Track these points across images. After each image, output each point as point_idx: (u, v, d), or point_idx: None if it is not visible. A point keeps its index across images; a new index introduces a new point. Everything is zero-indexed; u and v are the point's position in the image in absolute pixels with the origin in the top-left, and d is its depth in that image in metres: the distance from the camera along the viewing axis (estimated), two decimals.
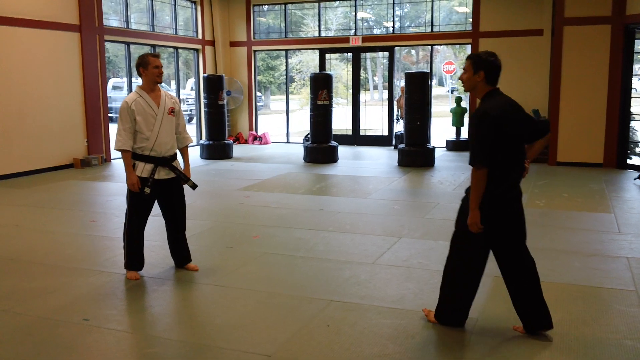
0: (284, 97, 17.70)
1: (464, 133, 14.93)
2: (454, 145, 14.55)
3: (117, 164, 12.31)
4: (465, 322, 4.05)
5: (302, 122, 18.31)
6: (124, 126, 4.86)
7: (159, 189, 5.02)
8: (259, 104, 17.91)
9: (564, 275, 5.14)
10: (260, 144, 16.21)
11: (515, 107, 3.79)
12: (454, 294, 3.99)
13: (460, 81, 3.99)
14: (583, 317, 4.25)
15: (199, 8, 15.59)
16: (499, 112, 3.63)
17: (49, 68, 11.23)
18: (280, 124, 17.48)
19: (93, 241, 6.44)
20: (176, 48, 15.12)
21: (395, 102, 15.27)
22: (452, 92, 26.93)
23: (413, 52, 30.30)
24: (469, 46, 14.64)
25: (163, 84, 5.15)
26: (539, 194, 8.89)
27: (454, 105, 15.16)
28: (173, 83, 15.61)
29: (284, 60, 17.44)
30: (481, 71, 3.73)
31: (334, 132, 13.06)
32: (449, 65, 18.75)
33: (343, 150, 13.89)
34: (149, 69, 4.91)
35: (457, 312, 4.02)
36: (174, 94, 15.79)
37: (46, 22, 11.07)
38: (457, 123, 14.75)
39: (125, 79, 14.68)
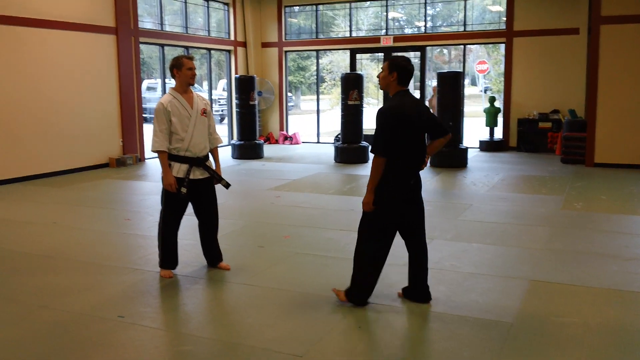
0: (315, 97, 17.72)
1: (498, 133, 14.76)
2: (487, 146, 14.40)
3: (151, 163, 12.47)
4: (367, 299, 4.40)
5: (332, 122, 18.32)
6: (160, 127, 4.90)
7: (193, 189, 5.06)
8: (289, 104, 17.97)
9: (602, 280, 5.03)
10: (291, 144, 16.25)
11: (417, 107, 4.28)
12: (363, 276, 4.35)
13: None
14: (621, 322, 4.16)
15: (231, 10, 15.71)
16: (400, 109, 4.13)
17: (86, 69, 11.43)
18: (311, 124, 17.51)
19: (128, 239, 6.53)
20: (209, 49, 15.26)
21: (427, 102, 15.17)
22: (485, 92, 26.62)
23: (445, 51, 30.04)
24: (503, 45, 14.47)
25: (195, 85, 5.20)
26: (576, 196, 8.74)
27: (487, 105, 15.00)
28: (205, 84, 15.76)
29: (315, 61, 17.48)
30: (395, 72, 4.23)
31: (364, 132, 13.03)
32: (482, 64, 18.53)
33: None
34: (182, 70, 4.96)
35: (364, 293, 4.39)
36: (206, 94, 15.97)
37: (84, 25, 11.27)
38: (491, 123, 14.59)
39: (159, 80, 14.87)
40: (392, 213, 4.25)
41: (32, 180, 10.29)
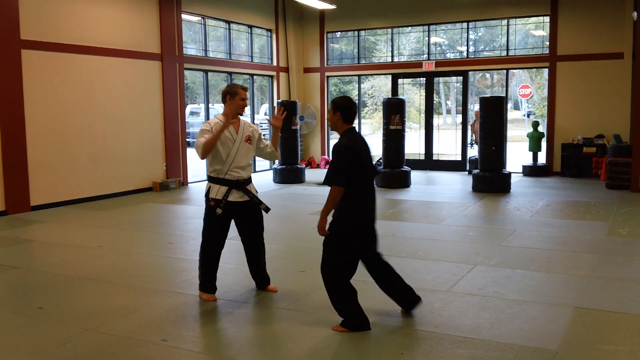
0: (356, 121, 17.75)
1: (542, 158, 14.55)
2: (530, 171, 14.19)
3: (194, 187, 12.66)
4: (368, 325, 4.44)
5: (373, 147, 18.30)
6: (203, 135, 5.01)
7: (234, 212, 5.13)
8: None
9: None
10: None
11: (365, 144, 4.65)
12: (344, 296, 4.48)
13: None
14: None
15: (274, 36, 15.95)
16: (354, 145, 4.45)
17: (132, 95, 11.74)
18: None
19: (171, 263, 6.63)
20: (251, 75, 15.50)
21: (469, 127, 15.07)
22: (528, 116, 26.30)
23: (487, 75, 29.87)
24: (546, 70, 14.32)
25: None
26: (621, 222, 8.52)
27: (530, 129, 14.81)
28: (248, 108, 15.96)
29: (357, 85, 17.56)
30: (338, 112, 4.53)
31: (406, 157, 13.00)
32: (525, 89, 18.34)
33: (416, 175, 13.79)
34: (235, 99, 5.09)
35: (360, 319, 4.45)
36: (248, 119, 16.17)
37: (130, 52, 11.60)
38: (534, 148, 14.39)
39: (202, 105, 15.14)
40: (354, 238, 4.49)
41: (78, 204, 10.55)
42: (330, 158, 4.72)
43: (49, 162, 10.22)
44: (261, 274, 5.43)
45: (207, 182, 5.20)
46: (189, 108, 21.37)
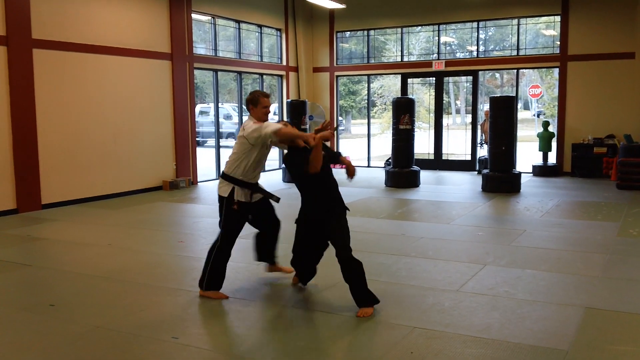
0: (365, 121, 17.77)
1: (552, 158, 14.49)
2: (540, 171, 14.13)
3: (203, 186, 12.70)
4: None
5: (383, 146, 18.30)
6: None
7: (252, 209, 5.29)
8: (340, 128, 18.04)
9: None
10: (342, 167, 16.25)
11: None
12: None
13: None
14: None
15: (283, 35, 15.97)
16: None
17: (143, 94, 11.79)
18: (361, 148, 17.54)
19: (181, 261, 6.65)
20: (261, 74, 15.52)
21: (479, 127, 15.03)
22: (538, 116, 26.21)
23: (497, 75, 29.78)
24: (557, 69, 14.26)
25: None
26: (632, 222, 8.47)
27: (540, 129, 14.75)
28: None
29: (366, 85, 17.55)
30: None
31: (415, 157, 12.98)
32: (535, 88, 18.31)
33: (425, 175, 13.76)
34: (258, 107, 5.17)
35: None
36: None
37: (141, 51, 11.65)
38: (545, 148, 14.33)
39: (212, 105, 15.17)
40: None
41: (89, 202, 10.61)
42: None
43: (60, 160, 10.28)
44: (274, 253, 5.63)
45: (225, 184, 5.16)
46: (198, 107, 21.43)
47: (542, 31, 15.76)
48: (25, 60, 9.61)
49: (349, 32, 16.84)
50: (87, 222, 8.98)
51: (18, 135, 9.55)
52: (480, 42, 15.47)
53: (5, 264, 6.56)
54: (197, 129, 14.09)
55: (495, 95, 12.11)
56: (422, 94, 20.19)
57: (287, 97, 15.95)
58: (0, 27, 9.30)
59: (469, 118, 16.48)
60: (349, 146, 20.19)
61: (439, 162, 15.62)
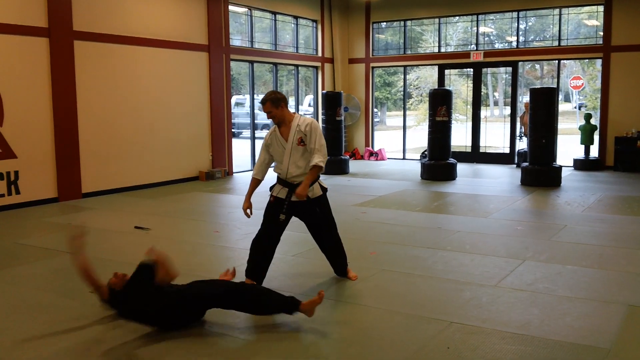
0: (400, 113, 17.66)
1: (594, 152, 14.16)
2: (582, 165, 13.83)
3: (239, 177, 12.76)
4: None
5: (418, 139, 18.14)
6: (259, 158, 5.34)
7: (293, 210, 5.23)
8: (375, 120, 17.95)
9: None
10: (377, 160, 16.20)
11: None
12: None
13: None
14: None
15: (319, 27, 15.91)
16: None
17: (180, 85, 11.88)
18: (396, 140, 17.41)
19: (217, 251, 6.69)
20: (296, 66, 15.50)
21: (518, 119, 14.77)
22: (579, 109, 25.66)
23: (537, 66, 29.22)
24: (599, 60, 13.91)
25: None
26: None
27: (582, 122, 14.43)
28: (292, 100, 16.00)
29: (402, 77, 17.41)
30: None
31: (452, 149, 12.82)
32: (576, 80, 17.89)
33: (462, 168, 13.59)
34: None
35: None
36: (292, 110, 16.17)
37: (179, 43, 11.73)
38: (586, 141, 14.01)
39: (247, 96, 15.21)
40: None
41: (127, 192, 10.75)
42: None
43: (100, 151, 10.43)
44: (337, 260, 5.56)
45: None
46: (233, 99, 21.52)
47: (585, 21, 15.38)
48: (67, 52, 9.76)
49: (385, 23, 16.69)
50: (125, 211, 9.09)
51: (60, 126, 9.73)
52: (520, 33, 15.17)
53: (46, 251, 6.69)
54: (232, 120, 14.15)
55: (536, 87, 11.88)
56: (460, 85, 19.93)
57: (323, 89, 15.91)
58: (43, 19, 9.46)
59: (507, 110, 16.21)
60: (384, 138, 20.08)
61: (476, 155, 15.40)
